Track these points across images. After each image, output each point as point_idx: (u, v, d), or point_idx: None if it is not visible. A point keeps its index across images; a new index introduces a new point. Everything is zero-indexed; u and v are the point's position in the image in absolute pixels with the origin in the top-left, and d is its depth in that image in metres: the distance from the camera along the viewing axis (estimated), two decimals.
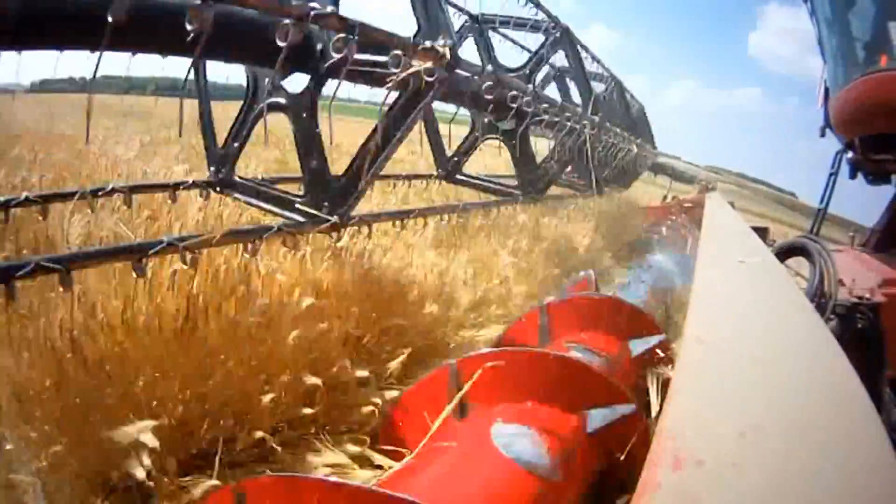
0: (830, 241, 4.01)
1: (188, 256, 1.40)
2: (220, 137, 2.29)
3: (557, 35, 3.64)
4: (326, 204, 1.86)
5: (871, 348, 2.71)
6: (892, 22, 3.67)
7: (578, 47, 3.88)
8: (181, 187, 2.40)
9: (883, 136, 3.71)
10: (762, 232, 4.48)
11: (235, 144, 2.20)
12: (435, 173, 3.96)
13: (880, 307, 2.81)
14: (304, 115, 1.86)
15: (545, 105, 2.72)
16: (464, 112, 3.67)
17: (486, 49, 3.82)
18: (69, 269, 1.21)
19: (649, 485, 0.63)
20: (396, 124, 1.82)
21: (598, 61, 4.84)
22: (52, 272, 1.17)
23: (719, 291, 1.48)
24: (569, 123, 3.14)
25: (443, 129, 3.96)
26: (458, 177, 3.91)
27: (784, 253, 3.60)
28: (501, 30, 3.87)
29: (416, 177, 4.13)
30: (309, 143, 1.87)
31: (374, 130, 1.83)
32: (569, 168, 4.47)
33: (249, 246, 1.60)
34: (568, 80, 4.63)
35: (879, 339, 2.74)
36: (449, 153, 3.90)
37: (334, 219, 1.82)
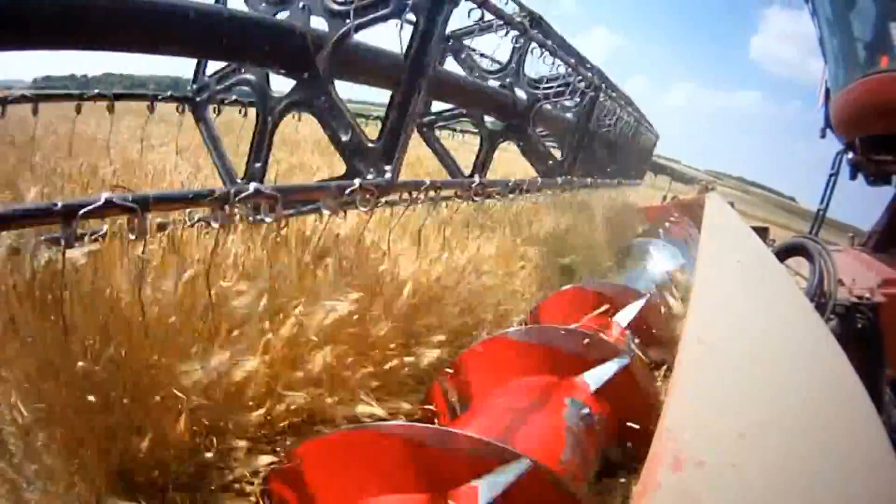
0: (829, 243, 4.00)
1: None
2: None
3: (528, 25, 3.60)
4: (372, 170, 1.86)
5: (871, 348, 2.71)
6: (892, 23, 3.67)
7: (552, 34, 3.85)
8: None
9: (883, 136, 3.71)
10: (762, 232, 4.48)
11: (258, 165, 2.19)
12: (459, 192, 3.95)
13: (880, 307, 2.81)
14: (322, 98, 1.87)
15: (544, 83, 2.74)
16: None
17: (467, 64, 3.80)
18: (144, 209, 1.14)
19: (649, 485, 0.63)
20: (417, 65, 1.82)
21: (570, 48, 4.77)
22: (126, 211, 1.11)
23: (719, 291, 1.48)
24: (572, 81, 3.15)
25: (448, 143, 3.97)
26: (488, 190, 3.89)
27: (784, 253, 3.59)
28: (475, 40, 3.81)
29: (445, 199, 4.10)
30: (335, 120, 1.88)
31: (397, 84, 1.82)
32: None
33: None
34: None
35: (879, 339, 2.74)
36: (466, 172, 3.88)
37: (386, 176, 1.82)
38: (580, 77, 3.64)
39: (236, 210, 1.32)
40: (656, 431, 0.76)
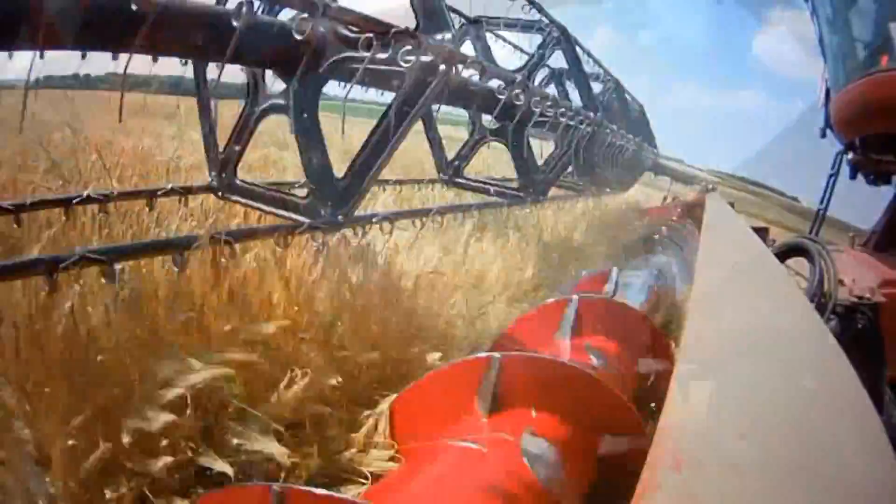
0: (829, 243, 4.01)
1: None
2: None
3: (555, 35, 3.65)
4: (330, 203, 1.86)
5: (871, 348, 2.71)
6: (892, 22, 3.67)
7: (577, 48, 3.89)
8: (186, 192, 2.41)
9: (883, 136, 3.72)
10: (762, 232, 4.48)
11: (237, 147, 2.18)
12: (437, 177, 3.97)
13: (880, 307, 2.81)
14: (305, 115, 1.85)
15: (537, 99, 2.72)
16: (462, 113, 3.70)
17: (483, 52, 3.83)
18: (112, 261, 1.28)
19: (649, 485, 0.63)
20: (398, 121, 1.82)
21: (597, 62, 4.85)
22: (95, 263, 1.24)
23: (719, 291, 1.48)
24: (564, 120, 3.15)
25: (442, 130, 3.98)
26: (459, 180, 3.92)
27: (784, 253, 3.60)
28: (499, 31, 3.87)
29: (418, 181, 4.14)
30: (310, 143, 1.87)
31: (376, 128, 1.83)
32: (569, 168, 4.48)
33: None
34: (567, 82, 4.65)
35: (879, 339, 2.74)
36: (450, 156, 3.91)
37: (339, 218, 1.82)
38: (581, 118, 3.61)
39: None
40: (656, 431, 0.76)
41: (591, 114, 3.65)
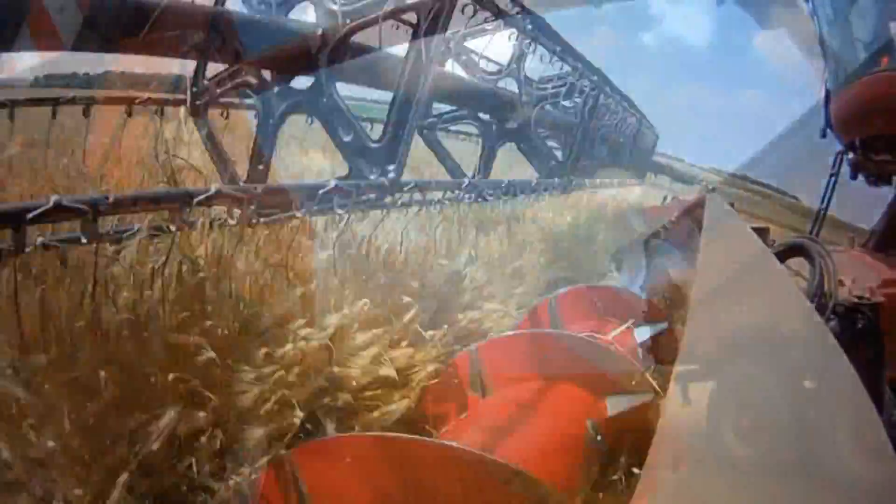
0: (829, 244, 4.00)
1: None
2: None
3: (529, 25, 3.60)
4: (374, 170, 1.87)
5: (871, 348, 2.71)
6: (893, 22, 3.67)
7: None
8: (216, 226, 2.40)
9: (884, 136, 3.72)
10: (762, 232, 4.47)
11: (260, 167, 2.17)
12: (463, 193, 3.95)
13: (880, 307, 2.80)
14: (324, 99, 1.89)
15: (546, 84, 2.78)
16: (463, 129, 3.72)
17: (468, 65, 3.83)
18: (97, 213, 1.12)
19: (649, 485, 0.63)
20: (418, 64, 1.84)
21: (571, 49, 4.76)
22: (76, 214, 1.09)
23: (719, 291, 1.48)
24: (571, 79, 3.18)
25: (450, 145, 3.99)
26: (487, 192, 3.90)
27: (784, 253, 3.59)
28: (475, 42, 3.84)
29: (449, 200, 4.13)
30: (337, 122, 1.90)
31: (399, 85, 1.85)
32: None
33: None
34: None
35: (879, 339, 2.74)
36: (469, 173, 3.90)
37: (388, 176, 1.83)
38: (580, 76, 3.65)
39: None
40: (656, 431, 0.76)
41: (593, 76, 3.68)
